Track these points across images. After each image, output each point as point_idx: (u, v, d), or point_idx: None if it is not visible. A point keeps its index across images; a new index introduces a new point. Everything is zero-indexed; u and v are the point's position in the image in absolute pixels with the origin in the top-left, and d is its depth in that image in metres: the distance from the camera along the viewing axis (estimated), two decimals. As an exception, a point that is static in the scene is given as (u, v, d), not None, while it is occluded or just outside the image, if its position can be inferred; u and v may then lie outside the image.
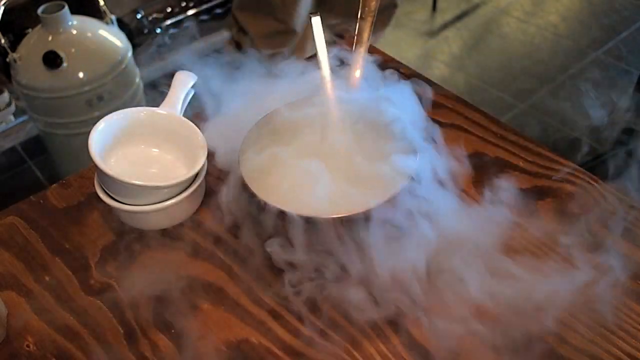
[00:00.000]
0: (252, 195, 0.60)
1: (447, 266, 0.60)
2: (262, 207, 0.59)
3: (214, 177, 0.72)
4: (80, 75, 1.52)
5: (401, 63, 0.87)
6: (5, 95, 1.89)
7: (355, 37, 0.70)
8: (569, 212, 0.67)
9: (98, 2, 1.58)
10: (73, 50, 1.52)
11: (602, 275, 0.60)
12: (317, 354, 0.57)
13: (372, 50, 0.75)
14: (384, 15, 1.98)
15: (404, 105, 0.68)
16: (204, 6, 2.28)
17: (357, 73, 0.70)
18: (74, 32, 1.53)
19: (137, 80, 1.67)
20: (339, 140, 0.67)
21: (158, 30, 2.21)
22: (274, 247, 0.62)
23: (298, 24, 1.78)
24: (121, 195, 0.66)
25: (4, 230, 0.70)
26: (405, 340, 0.57)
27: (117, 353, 0.58)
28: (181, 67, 0.77)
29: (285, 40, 1.80)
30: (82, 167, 0.77)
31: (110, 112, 0.70)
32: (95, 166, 0.64)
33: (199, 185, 0.68)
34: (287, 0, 1.74)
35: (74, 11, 1.55)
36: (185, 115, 0.73)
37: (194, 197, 0.68)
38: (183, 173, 0.67)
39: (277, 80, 0.74)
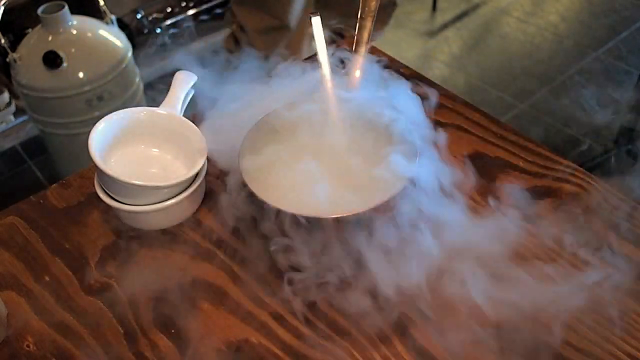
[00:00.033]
0: (252, 195, 0.60)
1: (447, 267, 0.60)
2: (262, 207, 0.59)
3: (214, 177, 0.72)
4: (80, 75, 1.52)
5: (401, 63, 0.87)
6: (5, 95, 1.89)
7: (355, 37, 0.70)
8: (569, 212, 0.67)
9: (98, 2, 1.58)
10: (73, 50, 1.52)
11: (603, 276, 0.60)
12: (318, 355, 0.57)
13: (372, 50, 0.75)
14: (384, 14, 1.98)
15: (403, 106, 0.68)
16: (204, 6, 2.28)
17: (357, 73, 0.70)
18: (74, 32, 1.53)
19: (137, 80, 1.67)
20: (339, 141, 0.67)
21: (158, 30, 2.21)
22: (273, 247, 0.62)
23: (292, 19, 1.78)
24: (121, 195, 0.66)
25: (4, 230, 0.70)
26: (409, 344, 0.57)
27: (117, 353, 0.58)
28: (181, 67, 0.77)
29: (280, 36, 1.80)
30: (82, 167, 0.77)
31: (110, 112, 0.70)
32: (95, 166, 0.64)
33: (199, 185, 0.68)
34: None
35: (74, 11, 1.55)
36: (185, 115, 0.73)
37: (194, 197, 0.68)
38: (183, 173, 0.67)
39: (277, 81, 0.74)
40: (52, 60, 1.49)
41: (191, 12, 2.28)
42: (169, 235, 0.68)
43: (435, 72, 2.22)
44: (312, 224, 0.58)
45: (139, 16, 2.19)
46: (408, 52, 2.32)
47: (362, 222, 0.57)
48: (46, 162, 1.91)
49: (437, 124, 0.68)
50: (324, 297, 0.60)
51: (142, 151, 0.72)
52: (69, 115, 1.57)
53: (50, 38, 1.51)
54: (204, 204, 0.71)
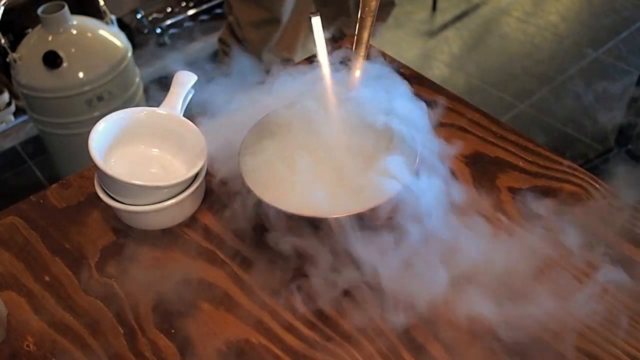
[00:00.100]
0: (252, 195, 0.60)
1: (446, 267, 0.60)
2: (262, 207, 0.59)
3: (214, 177, 0.72)
4: (80, 75, 1.52)
5: (401, 63, 0.87)
6: (5, 95, 1.89)
7: (355, 37, 0.70)
8: (569, 212, 0.66)
9: (98, 2, 1.59)
10: (73, 50, 1.52)
11: (602, 276, 0.60)
12: (318, 354, 0.57)
13: (372, 50, 0.75)
14: (382, 13, 1.98)
15: (403, 106, 0.68)
16: (204, 6, 2.28)
17: (357, 73, 0.70)
18: (74, 32, 1.53)
19: (137, 80, 1.67)
20: (338, 141, 0.67)
21: (158, 30, 2.21)
22: (273, 247, 0.62)
23: (285, 13, 1.79)
24: (121, 195, 0.66)
25: (4, 230, 0.70)
26: (408, 344, 0.57)
27: (117, 353, 0.58)
28: (181, 67, 0.77)
29: (272, 30, 1.82)
30: (82, 167, 0.77)
31: (110, 112, 0.70)
32: (95, 166, 0.64)
33: (199, 185, 0.68)
34: None
35: (74, 11, 1.55)
36: (185, 115, 0.73)
37: (194, 197, 0.68)
38: (183, 173, 0.67)
39: (277, 81, 0.74)
40: (52, 60, 1.49)
41: (191, 12, 2.28)
42: (169, 235, 0.68)
43: (435, 72, 2.22)
44: (312, 224, 0.58)
45: (139, 16, 2.19)
46: (408, 52, 2.32)
47: (360, 222, 0.57)
48: (46, 162, 1.91)
49: (437, 124, 0.68)
50: (324, 297, 0.60)
51: (142, 151, 0.72)
52: (69, 115, 1.57)
53: (50, 38, 1.51)
54: (204, 204, 0.71)
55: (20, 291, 0.64)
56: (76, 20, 1.54)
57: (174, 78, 0.75)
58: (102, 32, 1.58)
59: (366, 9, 0.69)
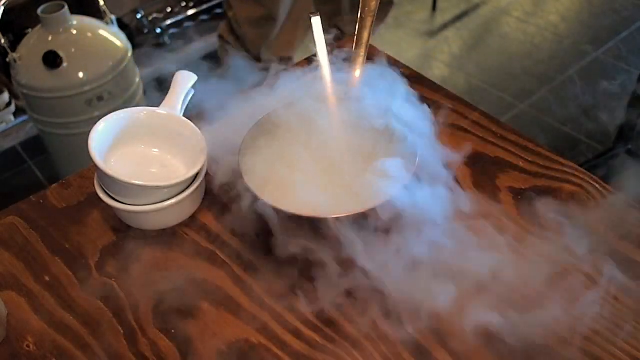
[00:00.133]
0: (252, 195, 0.60)
1: (447, 267, 0.60)
2: (262, 206, 0.59)
3: (214, 177, 0.72)
4: (80, 75, 1.52)
5: (401, 63, 0.87)
6: (5, 95, 1.89)
7: (355, 37, 0.70)
8: (569, 213, 0.66)
9: (98, 2, 1.59)
10: (73, 50, 1.52)
11: (602, 276, 0.60)
12: (318, 355, 0.57)
13: (372, 50, 0.75)
14: (381, 13, 1.99)
15: (403, 106, 0.68)
16: (204, 6, 2.29)
17: (357, 73, 0.70)
18: (74, 32, 1.53)
19: (137, 80, 1.67)
20: (339, 141, 0.67)
21: (158, 30, 2.21)
22: (273, 247, 0.62)
23: (281, 10, 1.80)
24: (121, 195, 0.66)
25: (4, 230, 0.70)
26: (410, 346, 0.57)
27: (117, 353, 0.58)
28: (181, 67, 0.77)
29: (270, 27, 1.82)
30: (82, 167, 0.77)
31: (110, 112, 0.70)
32: (95, 166, 0.64)
33: (199, 185, 0.68)
34: None
35: (74, 11, 1.55)
36: (185, 115, 0.73)
37: (194, 197, 0.68)
38: (183, 173, 0.67)
39: (277, 81, 0.74)
40: (52, 60, 1.49)
41: (191, 12, 2.28)
42: (169, 235, 0.68)
43: (435, 72, 2.22)
44: (312, 224, 0.58)
45: (139, 16, 2.19)
46: (408, 52, 2.32)
47: (359, 222, 0.57)
48: (46, 162, 1.91)
49: (437, 124, 0.68)
50: (325, 298, 0.60)
51: (142, 151, 0.72)
52: (69, 115, 1.57)
53: (50, 38, 1.51)
54: (204, 204, 0.71)
55: (20, 291, 0.64)
56: (76, 20, 1.54)
57: (174, 78, 0.75)
58: (102, 32, 1.58)
59: (366, 9, 0.69)
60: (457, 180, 0.67)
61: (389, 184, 0.59)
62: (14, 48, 1.54)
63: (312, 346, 0.57)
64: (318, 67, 0.68)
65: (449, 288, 0.59)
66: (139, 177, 0.63)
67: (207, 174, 0.70)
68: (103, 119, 0.68)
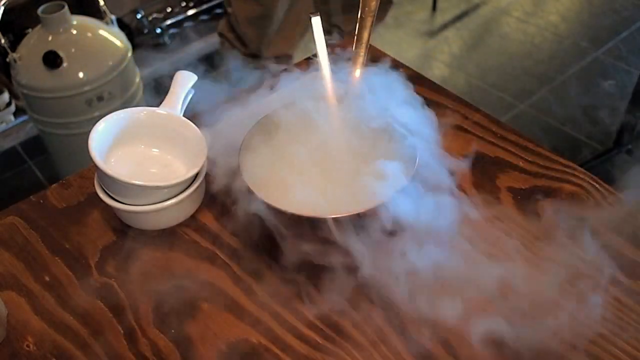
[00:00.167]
0: (252, 195, 0.60)
1: (447, 268, 0.60)
2: (262, 206, 0.59)
3: (214, 177, 0.72)
4: (80, 75, 1.52)
5: (401, 63, 0.87)
6: (5, 95, 1.89)
7: (355, 37, 0.70)
8: (569, 213, 0.66)
9: (98, 2, 1.58)
10: (73, 50, 1.52)
11: (602, 276, 0.60)
12: (318, 354, 0.57)
13: (372, 50, 0.75)
14: (380, 12, 1.99)
15: (403, 106, 0.68)
16: (204, 6, 2.29)
17: (357, 73, 0.70)
18: (74, 32, 1.53)
19: (137, 80, 1.67)
20: (339, 141, 0.67)
21: (158, 30, 2.21)
22: (273, 247, 0.62)
23: (278, 8, 1.80)
24: (121, 195, 0.66)
25: (4, 230, 0.70)
26: (412, 348, 0.57)
27: (117, 353, 0.58)
28: (181, 67, 0.77)
29: (267, 25, 1.83)
30: (82, 167, 0.77)
31: (110, 112, 0.70)
32: (95, 166, 0.64)
33: (199, 185, 0.68)
34: None
35: (74, 11, 1.55)
36: (185, 115, 0.73)
37: (194, 197, 0.68)
38: (183, 173, 0.67)
39: (278, 81, 0.74)
40: (52, 60, 1.49)
41: (191, 12, 2.28)
42: (169, 235, 0.68)
43: (435, 72, 2.22)
44: (312, 224, 0.58)
45: (139, 16, 2.19)
46: (408, 52, 2.32)
47: (361, 223, 0.57)
48: (46, 162, 1.91)
49: (437, 124, 0.68)
50: (325, 298, 0.60)
51: (142, 151, 0.72)
52: (69, 115, 1.57)
53: (50, 38, 1.51)
54: (204, 204, 0.71)
55: (20, 291, 0.64)
56: (76, 20, 1.54)
57: (174, 78, 0.75)
58: (102, 32, 1.58)
59: (366, 9, 0.69)
60: (457, 180, 0.67)
61: (389, 184, 0.59)
62: (14, 48, 1.54)
63: (312, 346, 0.57)
64: (318, 67, 0.68)
65: (451, 289, 0.59)
66: (139, 177, 0.63)
67: (207, 174, 0.70)
68: (103, 119, 0.68)
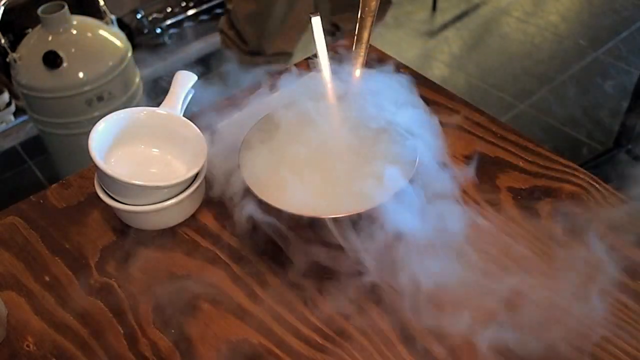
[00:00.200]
0: (252, 195, 0.60)
1: (448, 268, 0.60)
2: (262, 206, 0.59)
3: (214, 177, 0.72)
4: (80, 75, 1.52)
5: (401, 63, 0.87)
6: (5, 95, 1.89)
7: (355, 37, 0.70)
8: (569, 213, 0.67)
9: (98, 2, 1.59)
10: (73, 50, 1.52)
11: (602, 275, 0.60)
12: (318, 354, 0.57)
13: (372, 50, 0.75)
14: (379, 12, 2.00)
15: (403, 106, 0.68)
16: (204, 6, 2.29)
17: (357, 73, 0.70)
18: (74, 32, 1.53)
19: (137, 80, 1.67)
20: (339, 141, 0.67)
21: (158, 30, 2.21)
22: (273, 247, 0.62)
23: (276, 5, 1.81)
24: (121, 195, 0.66)
25: (4, 230, 0.70)
26: (412, 348, 0.57)
27: (117, 353, 0.58)
28: (181, 67, 0.77)
29: (265, 23, 1.83)
30: (82, 167, 0.77)
31: (110, 112, 0.70)
32: (95, 166, 0.64)
33: (199, 185, 0.68)
34: None
35: (74, 11, 1.55)
36: (185, 115, 0.73)
37: (194, 197, 0.68)
38: (183, 173, 0.67)
39: (278, 80, 0.74)
40: (52, 60, 1.49)
41: (191, 12, 2.28)
42: (169, 235, 0.68)
43: (435, 72, 2.22)
44: (312, 224, 0.58)
45: (139, 16, 2.19)
46: (408, 52, 2.32)
47: (361, 223, 0.57)
48: (46, 162, 1.91)
49: (437, 124, 0.68)
50: (325, 298, 0.61)
51: (142, 151, 0.72)
52: (69, 115, 1.57)
53: (50, 38, 1.51)
54: (204, 204, 0.71)
55: (20, 291, 0.64)
56: (76, 20, 1.54)
57: (174, 78, 0.75)
58: (102, 32, 1.58)
59: (366, 9, 0.69)
60: (457, 180, 0.67)
61: (389, 184, 0.59)
62: (14, 48, 1.54)
63: (312, 347, 0.57)
64: (318, 67, 0.68)
65: (453, 290, 0.59)
66: (139, 177, 0.63)
67: (207, 173, 0.70)
68: (103, 119, 0.68)
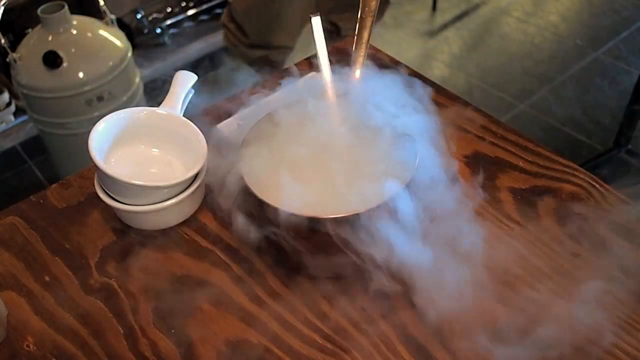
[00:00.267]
0: (252, 195, 0.60)
1: (448, 268, 0.60)
2: (262, 206, 0.59)
3: (214, 177, 0.72)
4: (80, 75, 1.52)
5: (401, 63, 0.87)
6: (5, 95, 1.89)
7: (355, 37, 0.70)
8: (569, 213, 0.67)
9: (98, 2, 1.59)
10: (73, 50, 1.52)
11: (602, 275, 0.60)
12: (318, 354, 0.57)
13: (372, 50, 0.75)
14: (377, 12, 2.00)
15: (402, 105, 0.68)
16: (204, 6, 2.29)
17: (357, 73, 0.70)
18: (74, 32, 1.53)
19: (137, 80, 1.67)
20: (339, 140, 0.67)
21: (158, 30, 2.21)
22: (273, 247, 0.62)
23: (275, 2, 1.82)
24: (121, 195, 0.66)
25: (4, 230, 0.70)
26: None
27: (117, 353, 0.58)
28: (181, 67, 0.77)
29: (263, 15, 1.84)
30: (82, 167, 0.77)
31: (110, 112, 0.70)
32: (95, 166, 0.64)
33: (199, 186, 0.68)
34: None
35: (74, 11, 1.55)
36: (185, 115, 0.73)
37: (194, 197, 0.68)
38: (183, 173, 0.67)
39: (278, 80, 0.74)
40: (52, 60, 1.49)
41: (191, 12, 2.28)
42: (169, 235, 0.68)
43: (435, 72, 2.22)
44: (313, 224, 0.58)
45: (139, 16, 2.19)
46: (408, 52, 2.32)
47: (361, 223, 0.57)
48: (46, 162, 1.91)
49: (437, 123, 0.68)
50: (325, 298, 0.61)
51: (142, 151, 0.72)
52: (69, 115, 1.57)
53: (50, 38, 1.51)
54: (204, 204, 0.71)
55: (20, 291, 0.64)
56: (76, 20, 1.54)
57: (174, 78, 0.75)
58: (102, 32, 1.58)
59: (366, 9, 0.69)
60: (457, 180, 0.67)
61: (389, 184, 0.59)
62: (14, 48, 1.54)
63: (313, 346, 0.57)
64: (318, 67, 0.68)
65: (453, 291, 0.59)
66: (139, 177, 0.63)
67: (207, 173, 0.70)
68: (103, 119, 0.68)
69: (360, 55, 0.70)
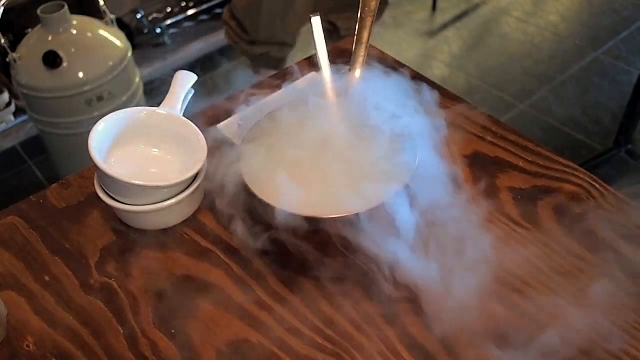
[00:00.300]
0: (253, 195, 0.60)
1: (448, 268, 0.60)
2: (262, 207, 0.59)
3: (214, 177, 0.72)
4: (80, 75, 1.52)
5: (401, 63, 0.87)
6: (5, 95, 1.89)
7: (355, 37, 0.70)
8: (569, 213, 0.67)
9: (98, 2, 1.59)
10: (73, 50, 1.52)
11: (602, 276, 0.60)
12: (318, 354, 0.57)
13: (372, 50, 0.75)
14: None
15: (403, 105, 0.68)
16: (204, 6, 2.29)
17: (357, 73, 0.70)
18: (74, 32, 1.54)
19: (137, 80, 1.67)
20: (338, 140, 0.67)
21: (158, 30, 2.21)
22: (273, 247, 0.62)
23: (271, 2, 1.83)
24: (121, 195, 0.66)
25: (4, 230, 0.70)
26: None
27: (117, 353, 0.58)
28: (181, 67, 0.77)
29: (262, 12, 1.84)
30: (82, 167, 0.77)
31: (110, 112, 0.70)
32: (95, 166, 0.64)
33: (199, 186, 0.68)
34: None
35: (74, 11, 1.55)
36: (185, 115, 0.73)
37: (194, 197, 0.68)
38: (183, 173, 0.67)
39: (278, 80, 0.74)
40: (52, 60, 1.49)
41: (191, 12, 2.28)
42: (169, 235, 0.68)
43: (435, 72, 2.22)
44: (312, 224, 0.58)
45: (139, 16, 2.19)
46: (408, 52, 2.32)
47: (361, 223, 0.57)
48: (46, 162, 1.91)
49: (437, 124, 0.68)
50: (325, 298, 0.61)
51: (142, 151, 0.72)
52: (69, 115, 1.57)
53: (50, 38, 1.51)
54: (204, 204, 0.71)
55: (20, 291, 0.64)
56: (76, 20, 1.54)
57: (174, 78, 0.75)
58: (102, 32, 1.58)
59: (366, 9, 0.69)
60: (457, 180, 0.67)
61: (389, 184, 0.59)
62: (14, 48, 1.54)
63: (312, 346, 0.57)
64: (318, 67, 0.68)
65: (454, 291, 0.59)
66: (139, 177, 0.63)
67: (207, 173, 0.70)
68: (103, 119, 0.68)
69: (360, 55, 0.70)
